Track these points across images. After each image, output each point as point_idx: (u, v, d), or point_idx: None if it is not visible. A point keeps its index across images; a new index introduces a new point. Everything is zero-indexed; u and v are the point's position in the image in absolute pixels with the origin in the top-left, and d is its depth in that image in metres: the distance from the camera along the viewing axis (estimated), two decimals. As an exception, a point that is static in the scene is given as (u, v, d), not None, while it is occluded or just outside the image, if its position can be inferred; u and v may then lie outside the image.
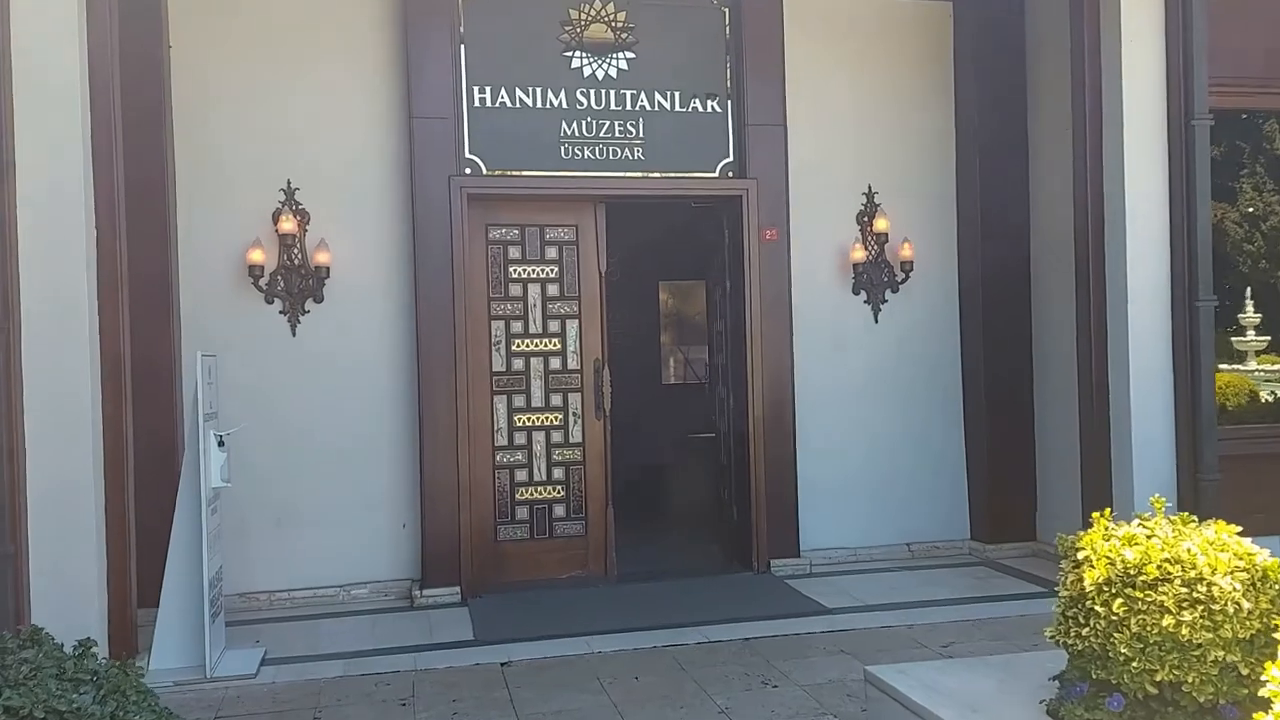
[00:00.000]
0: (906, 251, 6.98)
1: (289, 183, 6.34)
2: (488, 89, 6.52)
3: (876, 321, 7.15)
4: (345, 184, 6.43)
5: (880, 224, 6.98)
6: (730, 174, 6.83)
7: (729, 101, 6.85)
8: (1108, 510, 3.31)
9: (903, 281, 7.08)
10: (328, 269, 6.33)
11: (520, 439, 6.75)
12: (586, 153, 6.65)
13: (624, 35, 6.69)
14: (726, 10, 6.82)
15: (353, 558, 6.38)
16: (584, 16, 6.65)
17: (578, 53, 6.66)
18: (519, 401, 6.75)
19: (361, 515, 6.41)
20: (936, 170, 7.25)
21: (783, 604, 5.97)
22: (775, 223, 6.82)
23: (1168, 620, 2.89)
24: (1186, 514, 3.24)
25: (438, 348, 6.36)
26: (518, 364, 6.76)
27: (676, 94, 6.76)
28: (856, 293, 7.13)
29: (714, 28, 6.83)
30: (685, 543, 7.77)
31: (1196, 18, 5.63)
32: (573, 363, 6.84)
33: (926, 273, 7.10)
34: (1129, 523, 3.20)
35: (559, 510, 6.80)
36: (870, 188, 7.14)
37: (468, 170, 6.48)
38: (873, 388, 7.14)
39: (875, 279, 7.12)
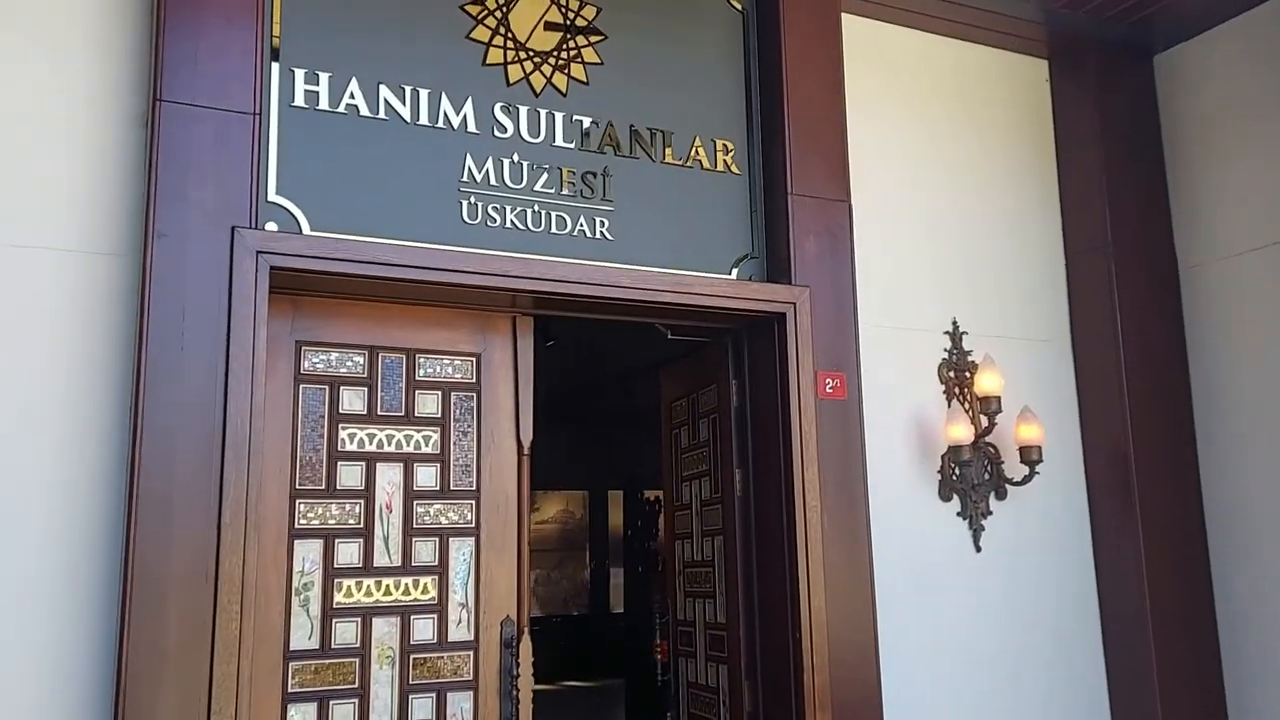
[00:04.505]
0: (1029, 433, 4.11)
1: None
2: (322, 77, 3.29)
3: (978, 549, 4.18)
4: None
5: (986, 383, 4.12)
6: (752, 276, 3.84)
7: (751, 154, 3.95)
8: None
9: (1020, 482, 4.18)
10: (-88, 412, 2.70)
11: (342, 799, 3.14)
12: (509, 217, 3.48)
13: (579, 17, 3.73)
14: (744, 13, 4.04)
15: None
16: (509, -18, 3.66)
17: (497, 37, 3.60)
18: (344, 717, 3.18)
19: None
20: (1041, 299, 4.57)
21: None
22: (839, 366, 3.82)
23: None
24: None
25: (170, 597, 2.78)
26: (345, 633, 3.23)
27: (666, 134, 3.79)
28: (946, 498, 4.16)
29: (728, 31, 3.99)
30: None
31: None
32: (460, 628, 3.38)
33: (1047, 466, 4.25)
34: None
35: None
36: (955, 324, 4.34)
37: (271, 224, 3.13)
38: (974, 660, 4.08)
39: (976, 475, 4.20)
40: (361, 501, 3.31)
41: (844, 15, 4.11)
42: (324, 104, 3.27)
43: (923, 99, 4.44)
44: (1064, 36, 4.59)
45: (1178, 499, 4.36)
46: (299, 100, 3.23)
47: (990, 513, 4.21)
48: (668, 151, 3.77)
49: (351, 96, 3.31)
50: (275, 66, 3.22)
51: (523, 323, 3.62)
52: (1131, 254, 4.49)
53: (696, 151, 3.83)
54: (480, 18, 3.55)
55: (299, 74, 3.25)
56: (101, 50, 3.11)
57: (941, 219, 4.38)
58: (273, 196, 3.16)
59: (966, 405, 4.20)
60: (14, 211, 2.95)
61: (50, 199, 2.99)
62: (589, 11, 3.74)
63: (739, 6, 4.01)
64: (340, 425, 3.32)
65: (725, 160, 3.88)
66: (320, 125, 3.25)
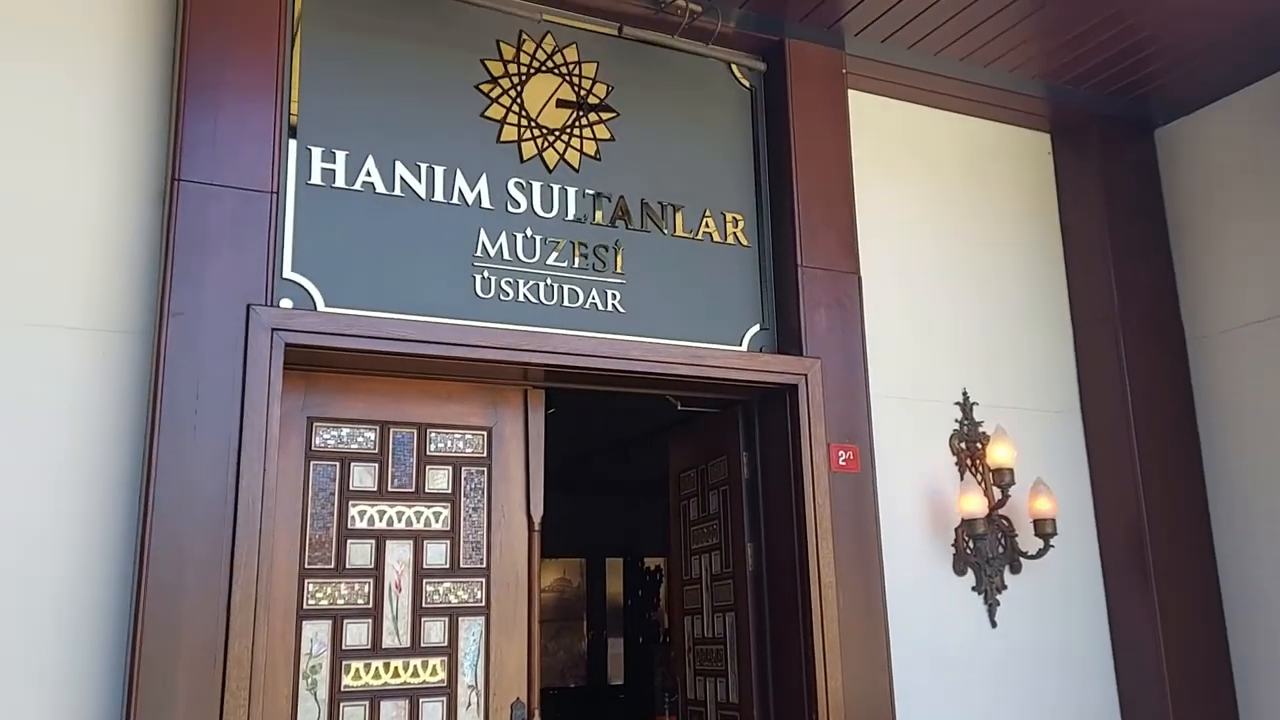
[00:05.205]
0: (1043, 505, 4.08)
1: None
2: (339, 155, 3.31)
3: (993, 624, 4.12)
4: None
5: (999, 454, 4.09)
6: (763, 348, 3.84)
7: (761, 226, 3.97)
8: None
9: (1035, 555, 4.14)
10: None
11: None
12: (522, 291, 3.49)
13: (590, 95, 3.78)
14: (752, 91, 4.10)
15: None
16: (523, 60, 3.70)
17: (510, 115, 3.64)
18: (352, 803, 3.10)
19: None
20: (1051, 369, 4.57)
21: None
22: (851, 438, 3.80)
23: None
24: None
25: (177, 682, 2.71)
26: (353, 717, 3.15)
27: (676, 208, 3.82)
28: (961, 572, 4.11)
29: (736, 107, 4.04)
30: None
31: None
32: (469, 712, 3.30)
33: (1060, 538, 4.20)
34: None
35: None
36: (965, 394, 4.33)
37: (286, 301, 3.13)
38: (993, 745, 4.01)
39: (990, 549, 4.16)
40: (371, 580, 3.26)
41: (853, 92, 4.17)
42: (340, 181, 3.29)
43: (930, 172, 4.48)
44: (1066, 111, 4.65)
45: (1193, 568, 4.32)
46: (316, 178, 3.25)
47: (1005, 587, 4.15)
48: (678, 223, 3.80)
49: (368, 174, 3.33)
50: (293, 145, 3.24)
51: (534, 396, 3.61)
52: (1139, 325, 4.50)
53: (707, 224, 3.85)
54: (495, 96, 3.59)
55: (316, 152, 3.27)
56: (118, 128, 3.13)
57: (950, 290, 4.39)
58: (288, 273, 3.16)
59: (979, 477, 4.18)
60: (27, 289, 2.94)
61: (64, 277, 2.98)
62: (600, 89, 3.79)
63: (747, 84, 4.06)
64: (350, 502, 3.28)
65: (735, 233, 3.90)
66: (336, 202, 3.27)
